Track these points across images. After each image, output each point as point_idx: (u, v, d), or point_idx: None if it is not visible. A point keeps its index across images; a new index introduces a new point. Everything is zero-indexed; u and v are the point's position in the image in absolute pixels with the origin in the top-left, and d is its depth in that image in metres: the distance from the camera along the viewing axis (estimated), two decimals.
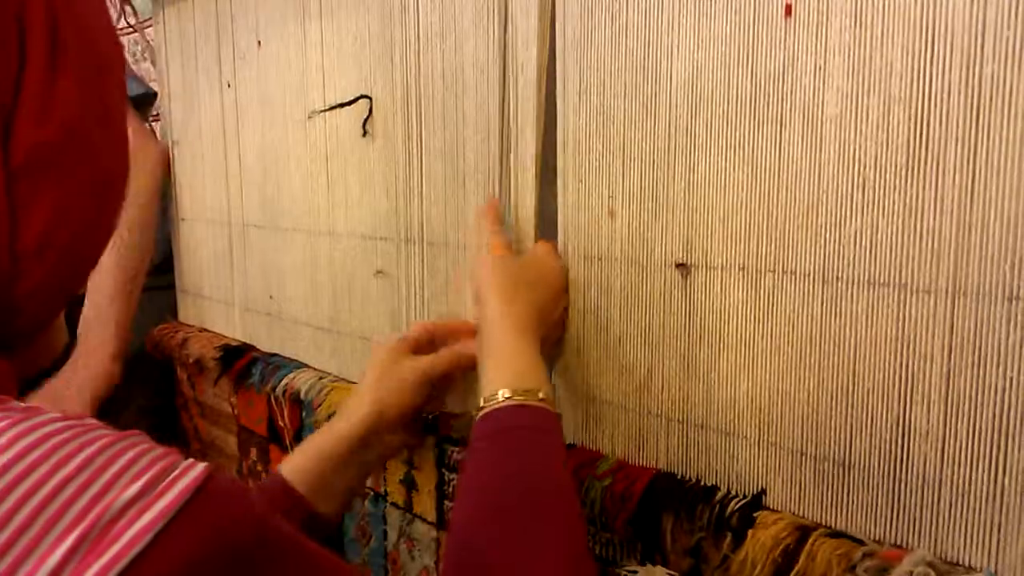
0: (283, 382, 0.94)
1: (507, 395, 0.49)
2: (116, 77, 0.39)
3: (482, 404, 0.50)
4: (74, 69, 0.35)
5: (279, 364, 0.97)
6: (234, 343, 1.08)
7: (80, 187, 0.36)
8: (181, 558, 0.26)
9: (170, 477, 0.28)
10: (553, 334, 0.63)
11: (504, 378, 0.50)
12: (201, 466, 0.29)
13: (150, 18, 1.19)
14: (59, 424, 0.28)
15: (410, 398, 0.63)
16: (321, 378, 0.91)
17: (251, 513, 0.30)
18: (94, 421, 0.29)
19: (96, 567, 0.25)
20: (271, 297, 1.02)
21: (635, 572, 0.58)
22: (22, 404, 0.30)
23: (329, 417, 0.85)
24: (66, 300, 0.39)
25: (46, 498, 0.26)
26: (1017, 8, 0.39)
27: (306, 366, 0.95)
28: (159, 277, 1.32)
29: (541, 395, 0.50)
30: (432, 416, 0.76)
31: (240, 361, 1.03)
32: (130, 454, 0.28)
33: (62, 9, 0.34)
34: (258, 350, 1.04)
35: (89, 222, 0.37)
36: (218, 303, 1.15)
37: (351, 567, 0.36)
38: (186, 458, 0.29)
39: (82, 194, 0.36)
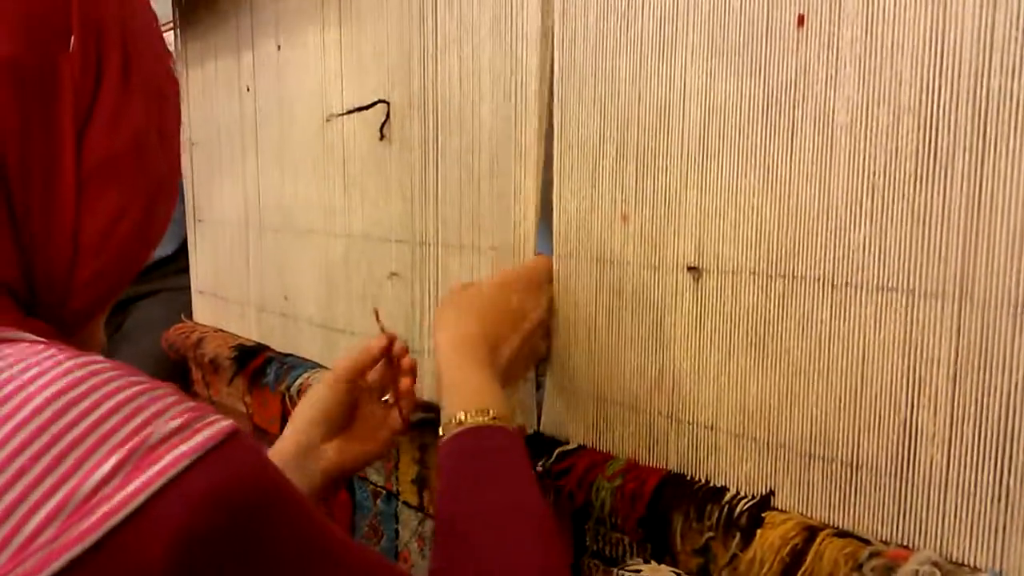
0: (297, 382, 0.95)
1: (460, 419, 0.52)
2: (172, 106, 0.46)
3: (441, 433, 0.53)
4: (139, 94, 0.41)
5: (293, 364, 0.99)
6: (249, 343, 1.09)
7: (138, 192, 0.42)
8: (211, 487, 0.30)
9: (205, 420, 0.31)
10: (525, 348, 0.64)
11: (457, 403, 0.53)
12: (229, 420, 0.32)
13: (169, 21, 1.21)
14: (109, 363, 0.32)
15: (326, 395, 0.65)
16: None
17: (272, 464, 0.34)
18: (135, 369, 0.33)
19: (138, 481, 0.29)
20: (286, 298, 1.04)
21: (639, 571, 0.59)
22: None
23: None
24: (115, 294, 0.44)
25: (99, 419, 0.29)
26: None
27: (320, 366, 0.96)
28: (175, 278, 1.34)
29: (493, 414, 0.52)
30: (418, 420, 0.75)
31: (255, 361, 1.04)
32: (170, 398, 0.32)
33: (132, 48, 0.41)
34: (273, 350, 1.06)
35: (142, 224, 0.42)
36: (234, 304, 1.16)
37: (357, 544, 0.38)
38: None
39: (139, 199, 0.42)
